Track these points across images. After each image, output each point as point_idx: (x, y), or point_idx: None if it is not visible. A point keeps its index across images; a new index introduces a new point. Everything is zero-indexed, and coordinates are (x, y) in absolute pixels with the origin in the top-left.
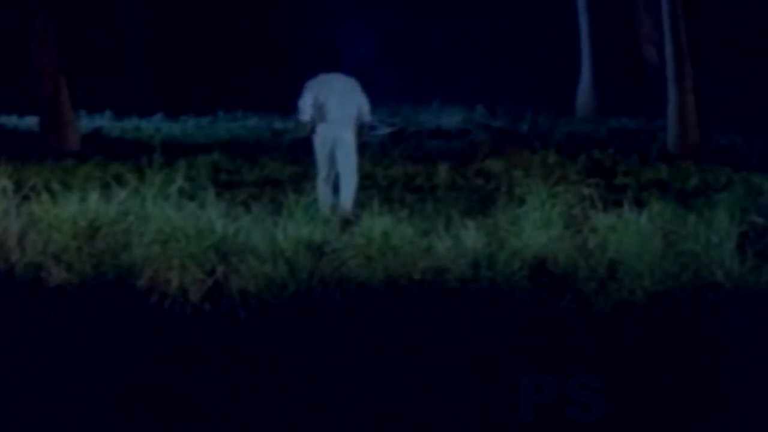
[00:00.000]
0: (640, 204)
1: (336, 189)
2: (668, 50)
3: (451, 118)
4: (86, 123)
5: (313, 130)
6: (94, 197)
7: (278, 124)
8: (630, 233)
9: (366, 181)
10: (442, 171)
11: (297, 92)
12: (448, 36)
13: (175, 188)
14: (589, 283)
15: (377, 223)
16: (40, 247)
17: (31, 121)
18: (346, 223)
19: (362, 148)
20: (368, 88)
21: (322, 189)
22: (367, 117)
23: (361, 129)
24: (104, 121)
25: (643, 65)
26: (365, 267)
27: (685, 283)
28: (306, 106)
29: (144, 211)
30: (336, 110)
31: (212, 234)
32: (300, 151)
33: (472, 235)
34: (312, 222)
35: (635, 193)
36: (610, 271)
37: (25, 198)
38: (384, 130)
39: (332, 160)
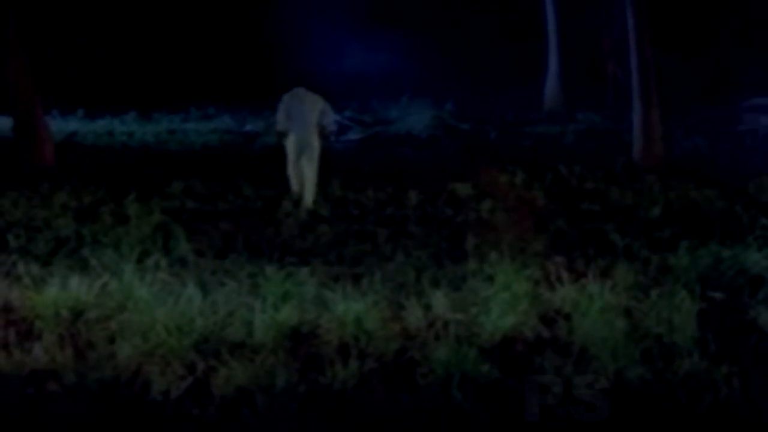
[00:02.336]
0: (604, 248)
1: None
2: (634, 63)
3: (421, 116)
4: (60, 124)
5: (285, 135)
6: (74, 282)
7: (250, 125)
8: (594, 310)
9: (338, 209)
10: (413, 197)
11: (267, 89)
12: (417, 29)
13: (152, 262)
14: (555, 384)
15: (350, 307)
16: (22, 339)
17: (4, 122)
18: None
19: (335, 158)
20: (340, 81)
21: (292, 173)
22: (327, 121)
23: (323, 130)
24: (77, 123)
25: (606, 79)
26: (340, 354)
27: (647, 379)
28: (281, 118)
29: (123, 293)
30: (303, 120)
31: (192, 329)
32: (272, 161)
33: (441, 303)
34: (288, 300)
35: (601, 223)
36: (576, 361)
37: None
38: (355, 136)
39: (299, 156)
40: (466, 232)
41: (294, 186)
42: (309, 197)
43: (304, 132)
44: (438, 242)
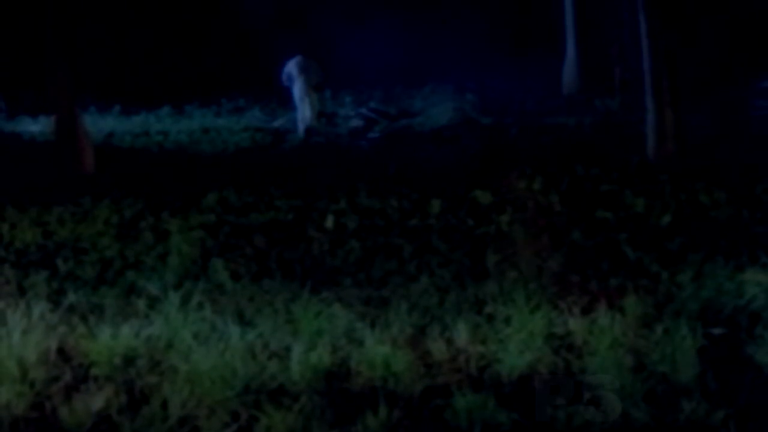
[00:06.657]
0: (616, 263)
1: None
2: (646, 65)
3: (443, 107)
4: (98, 122)
5: (291, 87)
6: (125, 330)
7: (279, 120)
8: (604, 345)
9: (365, 220)
10: (435, 206)
11: None
12: (439, 13)
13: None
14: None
15: (378, 351)
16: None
17: (45, 123)
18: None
19: (362, 159)
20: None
21: (298, 112)
22: (320, 78)
23: (318, 84)
24: (114, 121)
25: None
26: (369, 398)
27: (649, 420)
28: (286, 77)
29: (169, 334)
30: (303, 77)
31: (235, 376)
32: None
33: (463, 335)
34: (321, 336)
35: (614, 234)
36: (589, 401)
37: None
38: (380, 133)
39: (301, 102)
40: (487, 246)
41: (300, 124)
42: (313, 121)
43: (304, 86)
44: (460, 258)
